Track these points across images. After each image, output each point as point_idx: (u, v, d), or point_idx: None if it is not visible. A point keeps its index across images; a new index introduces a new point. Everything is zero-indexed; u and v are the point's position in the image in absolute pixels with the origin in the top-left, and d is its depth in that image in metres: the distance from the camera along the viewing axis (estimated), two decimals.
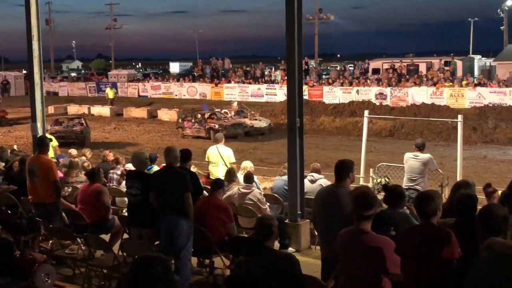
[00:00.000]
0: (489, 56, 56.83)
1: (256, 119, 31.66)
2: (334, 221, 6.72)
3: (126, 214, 9.91)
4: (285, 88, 37.68)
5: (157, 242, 8.86)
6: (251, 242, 5.77)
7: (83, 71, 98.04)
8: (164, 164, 9.19)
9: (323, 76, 49.61)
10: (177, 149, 8.92)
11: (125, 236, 9.80)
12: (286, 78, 11.27)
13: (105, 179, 12.52)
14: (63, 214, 10.28)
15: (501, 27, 59.11)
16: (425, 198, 5.64)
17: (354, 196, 5.67)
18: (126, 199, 11.41)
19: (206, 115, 30.73)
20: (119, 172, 13.13)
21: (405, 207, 7.01)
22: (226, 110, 32.09)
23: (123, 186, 12.10)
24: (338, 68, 55.06)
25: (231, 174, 11.23)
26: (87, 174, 10.51)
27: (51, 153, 14.03)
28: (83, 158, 14.39)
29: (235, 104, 34.29)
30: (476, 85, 37.65)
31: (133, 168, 9.68)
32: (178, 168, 8.82)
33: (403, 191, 7.06)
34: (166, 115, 38.59)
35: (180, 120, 32.14)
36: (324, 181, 11.18)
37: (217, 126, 28.91)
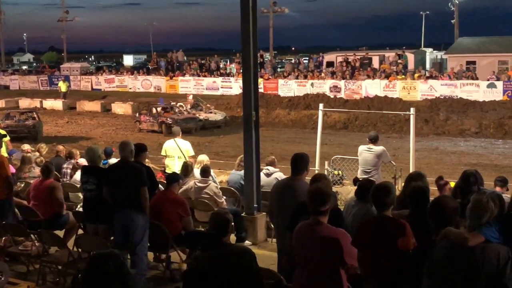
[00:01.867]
0: (441, 49, 57.79)
1: (211, 112, 31.57)
2: (290, 213, 6.76)
3: (80, 209, 9.79)
4: (240, 81, 37.58)
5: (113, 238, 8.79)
6: (207, 236, 5.76)
7: (34, 64, 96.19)
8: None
9: (278, 69, 49.71)
10: (131, 143, 8.84)
11: (80, 231, 9.69)
12: (241, 71, 11.26)
13: (58, 174, 12.36)
14: (16, 210, 10.10)
15: (452, 21, 59.99)
16: (383, 190, 5.71)
17: (309, 191, 5.72)
18: (80, 194, 11.30)
19: (160, 109, 30.45)
20: (71, 167, 12.96)
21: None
22: (181, 104, 31.85)
23: (74, 180, 11.96)
24: (293, 61, 55.26)
25: (187, 168, 11.20)
26: (41, 169, 10.35)
27: (3, 149, 13.77)
28: (37, 153, 14.14)
29: (190, 97, 34.07)
30: (427, 77, 38.27)
31: (86, 163, 9.56)
32: (134, 162, 8.75)
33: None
34: (120, 108, 38.15)
35: (137, 114, 31.75)
36: (279, 174, 11.24)
37: (169, 120, 28.54)
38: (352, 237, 5.52)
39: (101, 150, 9.39)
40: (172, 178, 9.34)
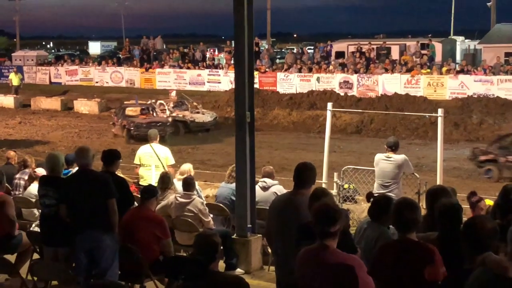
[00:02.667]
0: (474, 37, 57.93)
1: (198, 112, 31.18)
2: (292, 236, 6.76)
3: (36, 229, 9.76)
4: (231, 74, 37.64)
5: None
6: (191, 263, 5.76)
7: None
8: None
9: (277, 61, 49.81)
10: (91, 148, 8.86)
11: (36, 256, 9.67)
12: (233, 62, 11.26)
13: (9, 186, 12.32)
14: None
15: (488, 3, 60.10)
16: (407, 206, 5.71)
17: (315, 209, 5.71)
18: (36, 210, 11.27)
19: (128, 110, 29.62)
20: (26, 177, 12.92)
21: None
22: (162, 102, 31.27)
23: (29, 193, 11.92)
24: (295, 51, 55.30)
25: (165, 180, 11.18)
26: None
27: None
28: None
29: (173, 94, 33.69)
30: (458, 72, 38.32)
31: (44, 173, 9.54)
32: (102, 171, 8.74)
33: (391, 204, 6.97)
34: (84, 106, 38.15)
35: (113, 115, 31.25)
36: (278, 188, 11.25)
37: (131, 124, 27.66)
38: (368, 265, 5.51)
39: (62, 157, 9.38)
40: (148, 192, 9.32)
